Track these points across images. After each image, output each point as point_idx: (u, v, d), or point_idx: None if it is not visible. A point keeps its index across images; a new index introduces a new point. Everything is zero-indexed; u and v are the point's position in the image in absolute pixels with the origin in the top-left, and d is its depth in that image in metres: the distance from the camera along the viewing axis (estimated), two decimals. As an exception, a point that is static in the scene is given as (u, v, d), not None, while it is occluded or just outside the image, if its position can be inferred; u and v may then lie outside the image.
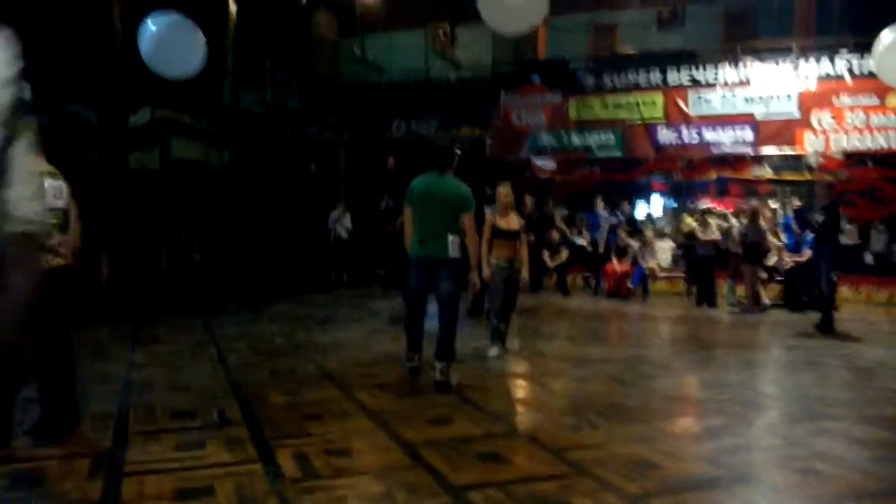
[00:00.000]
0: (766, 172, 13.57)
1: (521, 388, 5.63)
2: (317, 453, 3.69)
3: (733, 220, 10.99)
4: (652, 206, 15.88)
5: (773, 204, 13.36)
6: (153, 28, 7.98)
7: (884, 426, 4.37)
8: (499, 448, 3.84)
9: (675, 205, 15.15)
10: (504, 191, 6.46)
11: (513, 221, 6.39)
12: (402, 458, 3.67)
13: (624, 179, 14.86)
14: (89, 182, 11.58)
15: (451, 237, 5.19)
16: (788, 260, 10.60)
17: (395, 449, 3.82)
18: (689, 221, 11.55)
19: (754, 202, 10.96)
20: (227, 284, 11.50)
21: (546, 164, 13.96)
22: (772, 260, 10.60)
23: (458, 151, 5.61)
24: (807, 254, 10.11)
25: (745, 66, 11.98)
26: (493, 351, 6.36)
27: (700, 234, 10.59)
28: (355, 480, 3.34)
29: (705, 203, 13.14)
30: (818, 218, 8.41)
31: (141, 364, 6.03)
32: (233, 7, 13.79)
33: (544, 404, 5.07)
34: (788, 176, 13.28)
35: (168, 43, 8.15)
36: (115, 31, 12.67)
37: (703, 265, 10.59)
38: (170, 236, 11.67)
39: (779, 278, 10.93)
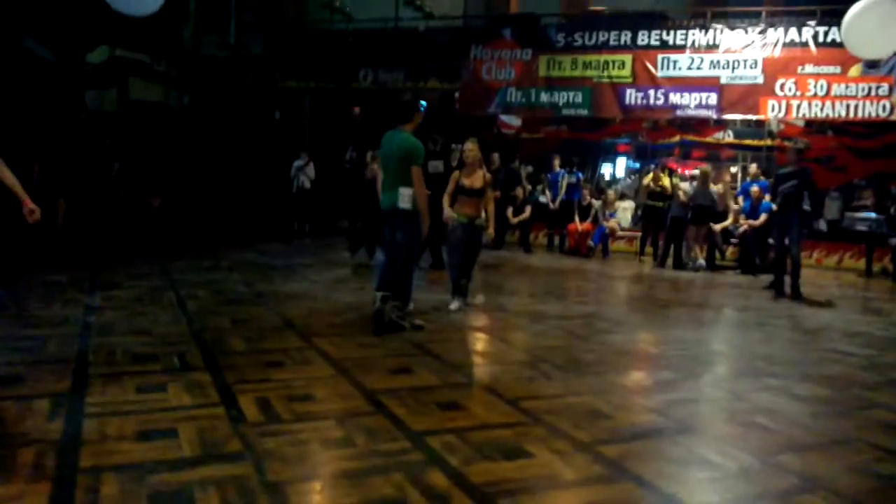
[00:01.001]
0: (728, 137, 13.82)
1: (480, 341, 5.75)
2: (278, 398, 3.74)
3: (685, 185, 11.21)
4: (616, 168, 16.08)
5: (733, 169, 13.66)
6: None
7: (825, 384, 4.59)
8: (457, 397, 3.94)
9: (638, 167, 15.37)
10: (470, 146, 6.46)
11: (477, 179, 6.40)
12: (362, 405, 3.75)
13: (590, 139, 14.98)
14: (44, 122, 11.27)
15: (401, 189, 5.44)
16: (744, 223, 10.86)
17: (356, 396, 3.90)
18: (648, 180, 11.74)
19: (705, 166, 11.15)
20: (186, 230, 11.36)
21: (511, 120, 13.97)
22: (728, 221, 10.86)
23: (422, 106, 5.67)
24: (762, 218, 10.37)
25: (713, 30, 12.05)
26: (454, 304, 6.46)
27: (681, 195, 10.76)
28: (316, 425, 3.41)
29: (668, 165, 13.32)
30: (789, 184, 8.14)
31: (99, 308, 5.97)
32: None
33: (502, 357, 5.19)
34: (750, 142, 13.54)
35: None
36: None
37: (675, 225, 10.77)
38: (127, 179, 11.43)
39: (733, 240, 11.23)
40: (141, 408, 3.54)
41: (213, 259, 9.36)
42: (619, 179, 15.95)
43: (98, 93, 14.16)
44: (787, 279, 8.31)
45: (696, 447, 3.43)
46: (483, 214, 6.49)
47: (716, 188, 10.84)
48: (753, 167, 11.71)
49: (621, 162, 16.45)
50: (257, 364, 4.42)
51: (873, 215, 11.23)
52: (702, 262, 10.76)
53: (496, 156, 12.03)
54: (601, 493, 2.81)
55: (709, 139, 13.90)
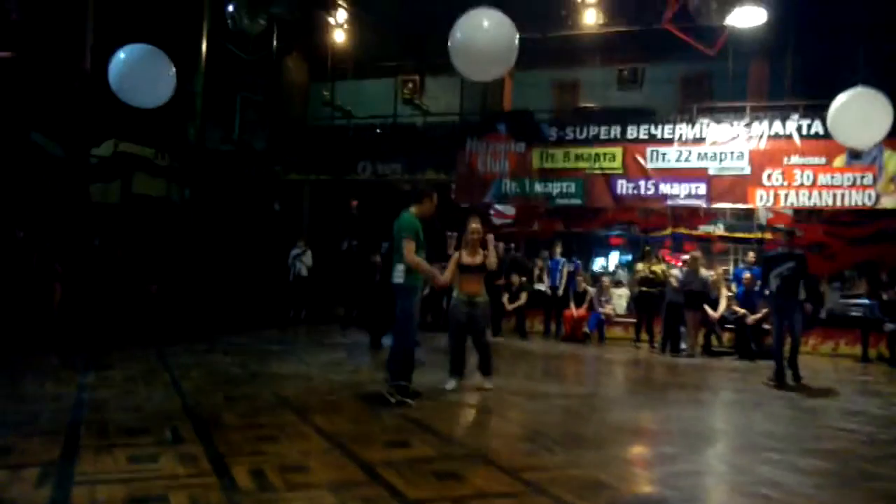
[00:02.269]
0: (719, 230, 14.07)
1: (478, 417, 5.66)
2: (272, 469, 3.67)
3: (675, 272, 11.31)
4: (609, 262, 16.25)
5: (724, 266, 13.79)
6: (123, 55, 8.07)
7: (825, 458, 4.52)
8: (455, 468, 3.87)
9: (631, 259, 15.53)
10: (473, 226, 6.59)
11: (479, 256, 6.47)
12: (358, 476, 3.68)
13: (583, 230, 15.20)
14: (48, 211, 11.49)
15: (397, 265, 5.67)
16: (740, 310, 10.92)
17: (351, 467, 3.83)
18: (641, 267, 11.86)
19: (695, 252, 11.29)
20: (183, 317, 11.34)
21: (506, 210, 14.25)
22: (721, 308, 10.90)
23: (427, 192, 5.93)
24: (760, 314, 10.46)
25: (700, 124, 12.51)
26: (451, 384, 6.40)
27: (673, 281, 10.85)
28: (311, 493, 3.35)
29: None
30: (786, 266, 8.00)
31: (93, 386, 5.90)
32: (204, 47, 13.93)
33: (501, 431, 5.11)
34: (741, 234, 13.76)
35: (138, 70, 8.23)
36: (85, 62, 12.71)
37: (672, 310, 10.80)
38: (127, 267, 11.53)
39: (728, 326, 11.25)
40: (132, 476, 3.47)
41: (208, 343, 9.30)
42: (612, 272, 16.09)
43: (102, 186, 14.47)
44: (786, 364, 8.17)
45: (700, 515, 3.36)
46: (484, 293, 6.54)
47: (707, 273, 10.94)
48: (751, 254, 11.85)
49: (614, 256, 16.65)
50: (251, 438, 4.35)
51: (867, 301, 11.30)
52: (697, 350, 10.73)
53: (500, 244, 12.18)
54: (603, 556, 2.74)
55: (700, 232, 14.13)
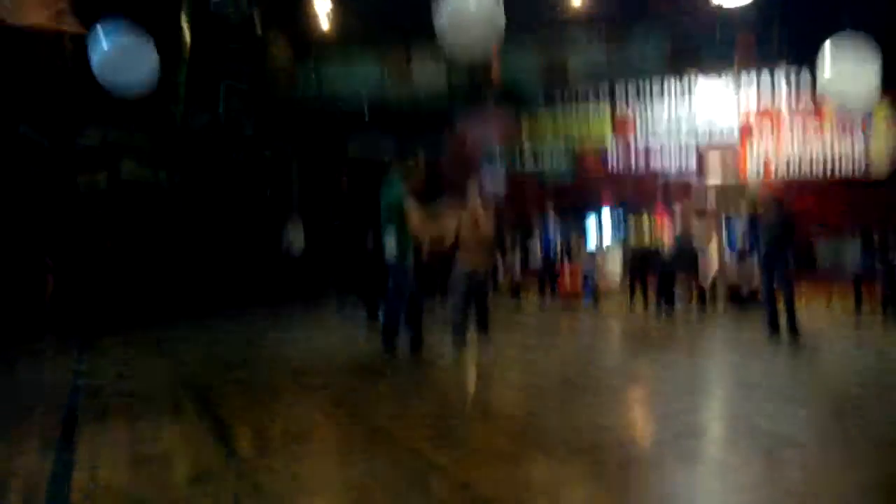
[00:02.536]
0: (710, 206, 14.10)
1: (476, 373, 5.71)
2: (273, 434, 3.70)
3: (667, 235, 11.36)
4: (603, 228, 16.22)
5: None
6: (105, 40, 7.97)
7: (818, 399, 4.55)
8: (456, 422, 3.94)
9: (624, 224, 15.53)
10: (473, 197, 6.60)
11: (482, 228, 6.47)
12: (359, 435, 3.69)
13: (575, 202, 15.19)
14: (37, 204, 11.42)
15: (388, 238, 5.82)
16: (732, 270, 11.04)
17: (352, 427, 3.87)
18: (633, 231, 11.94)
19: (687, 210, 11.29)
20: (176, 301, 11.33)
21: (498, 184, 14.23)
22: (711, 272, 10.98)
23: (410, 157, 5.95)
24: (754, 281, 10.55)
25: (690, 96, 12.49)
26: (452, 351, 6.38)
27: (666, 244, 10.90)
28: (313, 454, 3.38)
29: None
30: (773, 229, 7.95)
31: (90, 368, 5.91)
32: (186, 31, 13.80)
33: (500, 384, 5.25)
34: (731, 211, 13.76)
35: (120, 55, 8.14)
36: (65, 51, 12.58)
37: (666, 272, 10.85)
38: (117, 255, 11.51)
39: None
40: (133, 447, 3.48)
41: (204, 324, 9.32)
42: (606, 249, 16.10)
43: (90, 175, 14.37)
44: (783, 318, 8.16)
45: (699, 448, 3.41)
46: (486, 262, 6.56)
47: (697, 225, 10.97)
48: (741, 223, 11.88)
49: (607, 223, 16.62)
50: (251, 406, 4.38)
51: (860, 256, 11.38)
52: (691, 307, 10.80)
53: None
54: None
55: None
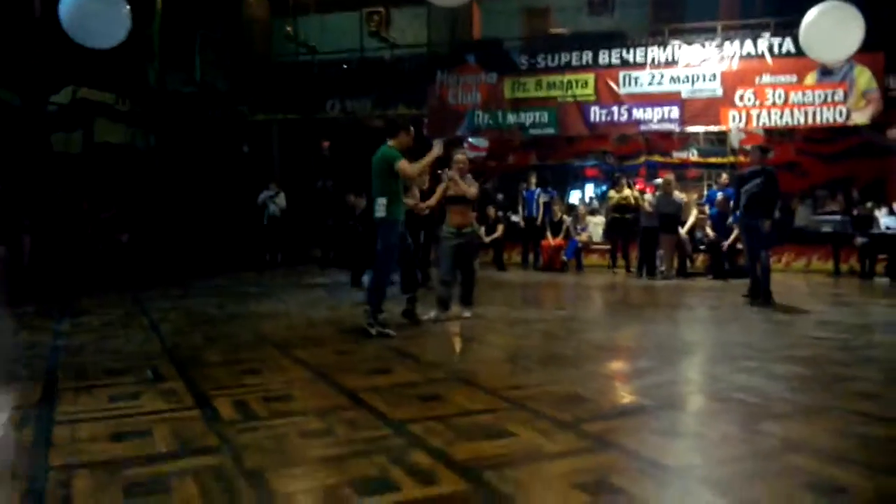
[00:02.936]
0: (693, 156, 14.10)
1: (458, 343, 5.71)
2: (255, 400, 3.67)
3: (648, 196, 11.39)
4: (585, 194, 16.23)
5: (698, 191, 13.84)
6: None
7: (801, 364, 4.62)
8: (437, 390, 3.90)
9: (605, 189, 15.53)
10: (460, 157, 6.59)
11: (467, 188, 6.44)
12: (342, 401, 3.69)
13: (558, 162, 15.12)
14: (10, 165, 11.13)
15: (378, 199, 5.64)
16: (711, 233, 11.07)
17: (335, 394, 3.85)
18: (613, 194, 11.91)
19: (668, 176, 11.30)
20: (156, 263, 11.21)
21: (480, 142, 14.10)
22: (690, 221, 11.02)
23: (403, 125, 5.89)
24: (732, 236, 10.58)
25: (671, 47, 12.35)
26: (433, 313, 6.42)
27: (647, 206, 10.91)
28: (296, 419, 3.35)
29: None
30: (754, 183, 7.83)
31: (69, 332, 5.84)
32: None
33: (482, 355, 5.17)
34: (714, 159, 13.79)
35: (90, 9, 7.89)
36: (33, 7, 12.14)
37: (647, 235, 10.89)
38: (95, 216, 11.31)
39: (702, 248, 11.40)
40: (113, 414, 3.45)
41: (184, 288, 9.24)
42: (588, 203, 16.10)
43: (64, 135, 14.02)
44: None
45: (678, 421, 3.44)
46: (472, 223, 6.55)
47: (680, 196, 11.00)
48: (724, 176, 11.95)
49: (589, 188, 16.61)
50: (233, 373, 4.34)
51: (838, 217, 11.46)
52: (672, 272, 10.88)
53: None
54: (585, 462, 2.78)
55: (674, 159, 14.13)
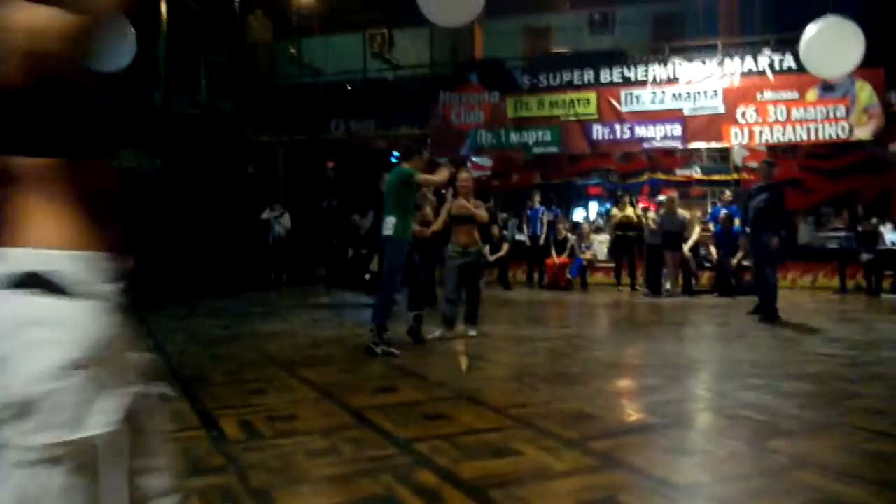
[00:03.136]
0: (696, 173, 14.13)
1: (464, 362, 5.68)
2: (261, 420, 3.67)
3: (651, 214, 11.41)
4: (589, 212, 16.27)
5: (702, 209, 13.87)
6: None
7: (808, 381, 4.61)
8: (443, 409, 3.89)
9: (609, 207, 15.55)
10: (465, 175, 6.62)
11: (476, 210, 6.46)
12: (347, 421, 3.69)
13: (562, 181, 15.16)
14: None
15: (386, 217, 5.72)
16: (714, 252, 11.08)
17: (340, 413, 3.84)
18: (616, 212, 11.95)
19: (671, 194, 11.32)
20: (162, 284, 11.23)
21: (483, 161, 14.17)
22: (693, 238, 11.00)
23: (417, 149, 6.00)
24: (738, 255, 10.57)
25: (672, 64, 12.43)
26: (438, 332, 6.42)
27: (651, 224, 10.93)
28: (301, 439, 3.35)
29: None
30: (760, 198, 7.79)
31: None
32: (164, 10, 13.52)
33: (487, 373, 5.14)
34: (717, 177, 13.81)
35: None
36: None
37: (651, 252, 10.90)
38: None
39: (707, 265, 11.39)
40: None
41: (190, 308, 9.26)
42: (592, 221, 16.13)
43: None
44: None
45: (685, 438, 3.42)
46: (478, 243, 6.57)
47: (683, 213, 11.02)
48: (727, 193, 11.96)
49: (593, 206, 16.65)
50: (238, 392, 4.34)
51: (843, 233, 11.43)
52: (677, 290, 10.87)
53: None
54: (592, 480, 2.77)
55: (677, 176, 14.16)
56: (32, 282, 1.07)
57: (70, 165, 1.14)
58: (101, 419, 1.08)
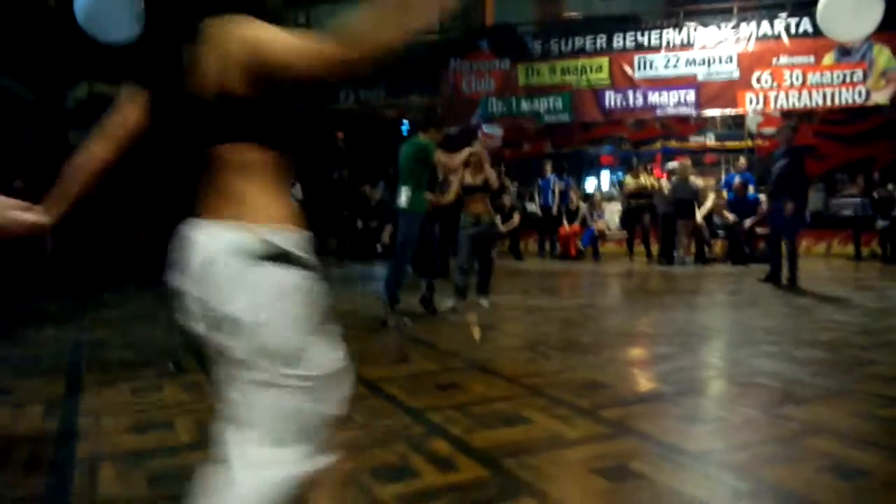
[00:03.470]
0: (710, 141, 13.94)
1: (476, 332, 5.71)
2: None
3: (664, 182, 11.32)
4: (601, 181, 16.11)
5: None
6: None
7: (822, 348, 4.59)
8: (456, 379, 3.92)
9: (621, 176, 15.40)
10: (478, 146, 6.55)
11: (482, 176, 6.41)
12: (361, 391, 3.70)
13: (573, 150, 15.01)
14: (26, 162, 11.26)
15: (402, 188, 5.71)
16: (729, 217, 10.96)
17: (353, 384, 3.86)
18: (629, 180, 11.86)
19: (684, 161, 11.20)
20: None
21: (494, 130, 14.04)
22: (707, 205, 10.89)
23: (437, 121, 5.98)
24: (749, 220, 10.48)
25: (687, 29, 12.21)
26: (450, 302, 6.43)
27: (665, 191, 10.85)
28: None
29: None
30: (780, 164, 7.70)
31: (92, 327, 5.92)
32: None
33: (500, 343, 5.17)
34: (731, 144, 13.62)
35: (105, 4, 7.94)
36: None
37: (665, 221, 10.83)
38: (113, 213, 11.41)
39: (720, 233, 11.31)
40: (136, 406, 3.51)
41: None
42: (606, 192, 15.99)
43: (80, 131, 14.14)
44: (785, 268, 8.04)
45: (698, 406, 3.43)
46: (490, 212, 6.56)
47: (696, 181, 10.91)
48: (742, 160, 11.83)
49: (605, 175, 16.48)
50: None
51: (858, 200, 11.29)
52: (689, 258, 10.82)
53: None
54: (604, 448, 2.79)
55: (691, 144, 13.97)
56: (280, 256, 1.33)
57: (281, 157, 1.41)
58: (336, 359, 1.47)
